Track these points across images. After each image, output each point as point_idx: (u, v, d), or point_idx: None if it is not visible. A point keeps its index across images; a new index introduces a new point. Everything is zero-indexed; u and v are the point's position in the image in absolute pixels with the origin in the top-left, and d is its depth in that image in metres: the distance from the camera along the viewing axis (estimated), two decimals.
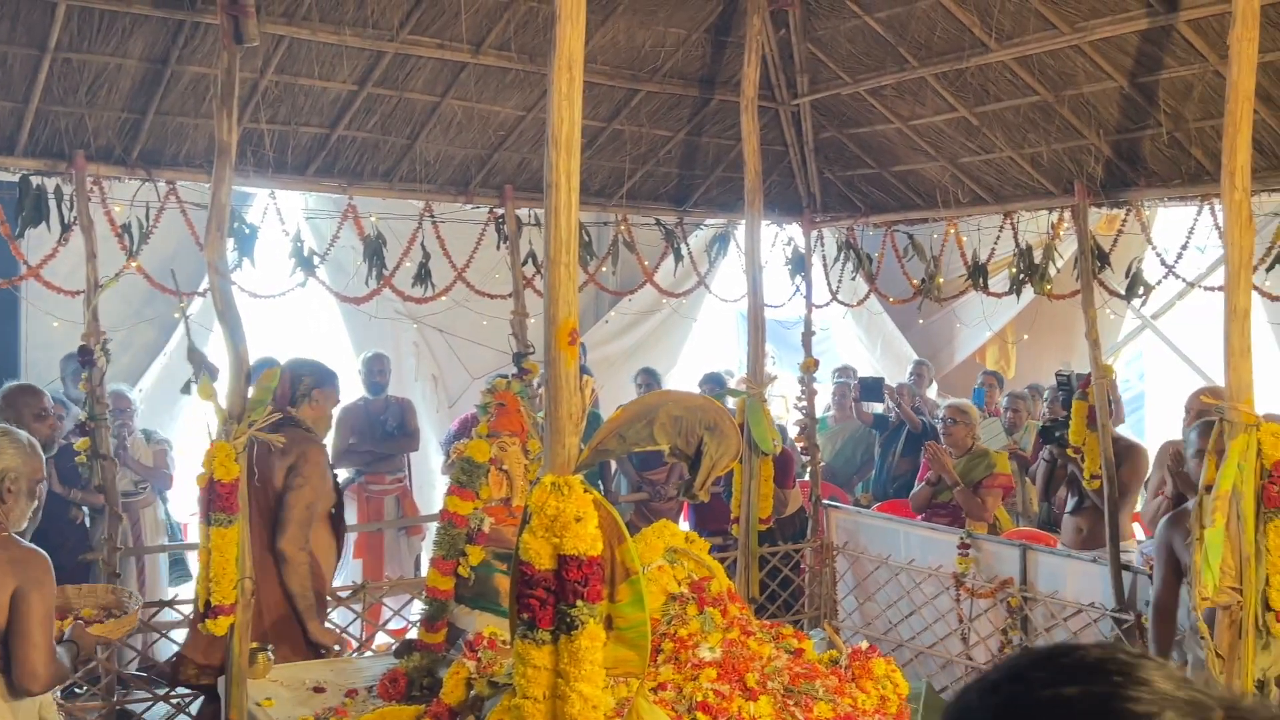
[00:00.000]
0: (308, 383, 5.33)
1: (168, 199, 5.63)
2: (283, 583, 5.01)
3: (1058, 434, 6.35)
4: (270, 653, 4.66)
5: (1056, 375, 6.55)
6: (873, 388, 8.99)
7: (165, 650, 6.48)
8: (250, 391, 4.33)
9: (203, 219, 4.53)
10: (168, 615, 5.84)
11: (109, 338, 5.42)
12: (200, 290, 6.01)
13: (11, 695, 3.59)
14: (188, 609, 5.50)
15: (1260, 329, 9.02)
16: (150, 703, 5.58)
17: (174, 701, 5.53)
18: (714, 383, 8.03)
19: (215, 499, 4.17)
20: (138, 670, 6.18)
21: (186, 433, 8.34)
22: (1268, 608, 3.58)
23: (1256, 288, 5.36)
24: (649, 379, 8.79)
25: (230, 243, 5.62)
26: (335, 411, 8.10)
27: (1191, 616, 4.23)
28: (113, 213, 5.55)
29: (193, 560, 7.04)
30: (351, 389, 8.81)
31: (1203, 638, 3.66)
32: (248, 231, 5.77)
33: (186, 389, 6.67)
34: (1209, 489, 3.62)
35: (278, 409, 5.29)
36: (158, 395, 8.31)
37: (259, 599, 4.72)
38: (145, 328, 8.07)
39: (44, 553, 3.70)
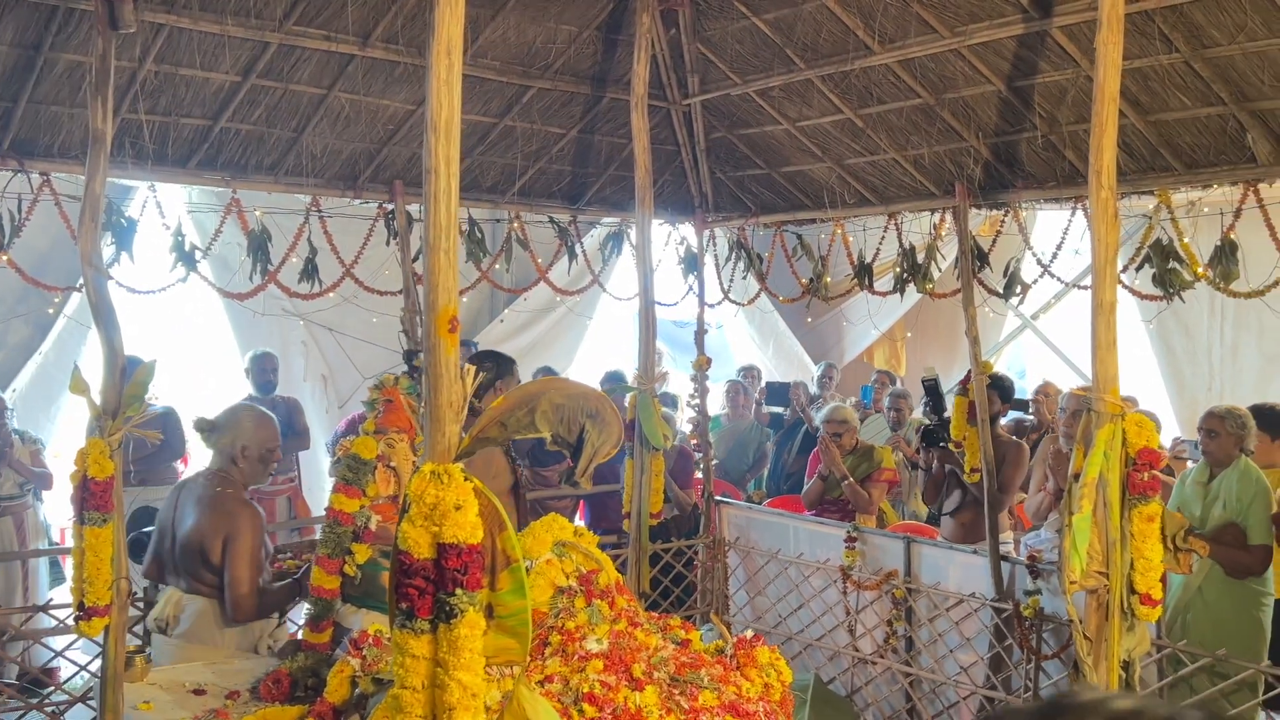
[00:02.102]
0: (490, 375, 5.60)
1: (41, 191, 5.45)
2: None
3: (940, 439, 6.52)
4: (149, 655, 4.55)
5: (923, 382, 6.72)
6: (779, 392, 9.20)
7: (41, 656, 6.28)
8: (125, 388, 4.21)
9: (78, 211, 4.39)
10: (44, 621, 5.64)
11: None
12: (76, 285, 5.83)
13: (225, 622, 4.57)
14: (64, 613, 5.34)
15: (1135, 328, 9.41)
16: (23, 711, 5.38)
17: (49, 710, 5.34)
18: (615, 380, 8.06)
19: (89, 497, 4.05)
20: (15, 678, 5.99)
21: (64, 435, 8.09)
22: (1132, 590, 3.72)
23: (1125, 285, 5.58)
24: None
25: (108, 237, 5.49)
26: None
27: None
28: None
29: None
30: (239, 388, 8.65)
31: (1071, 621, 3.79)
32: (125, 225, 5.60)
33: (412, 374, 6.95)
34: (1077, 477, 3.76)
35: None
36: (33, 395, 8.03)
37: None
38: (19, 325, 7.80)
39: (257, 507, 4.70)
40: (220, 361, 9.29)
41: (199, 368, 10.55)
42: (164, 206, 5.87)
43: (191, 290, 6.26)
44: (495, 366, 5.64)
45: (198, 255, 5.97)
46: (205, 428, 4.76)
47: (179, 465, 8.17)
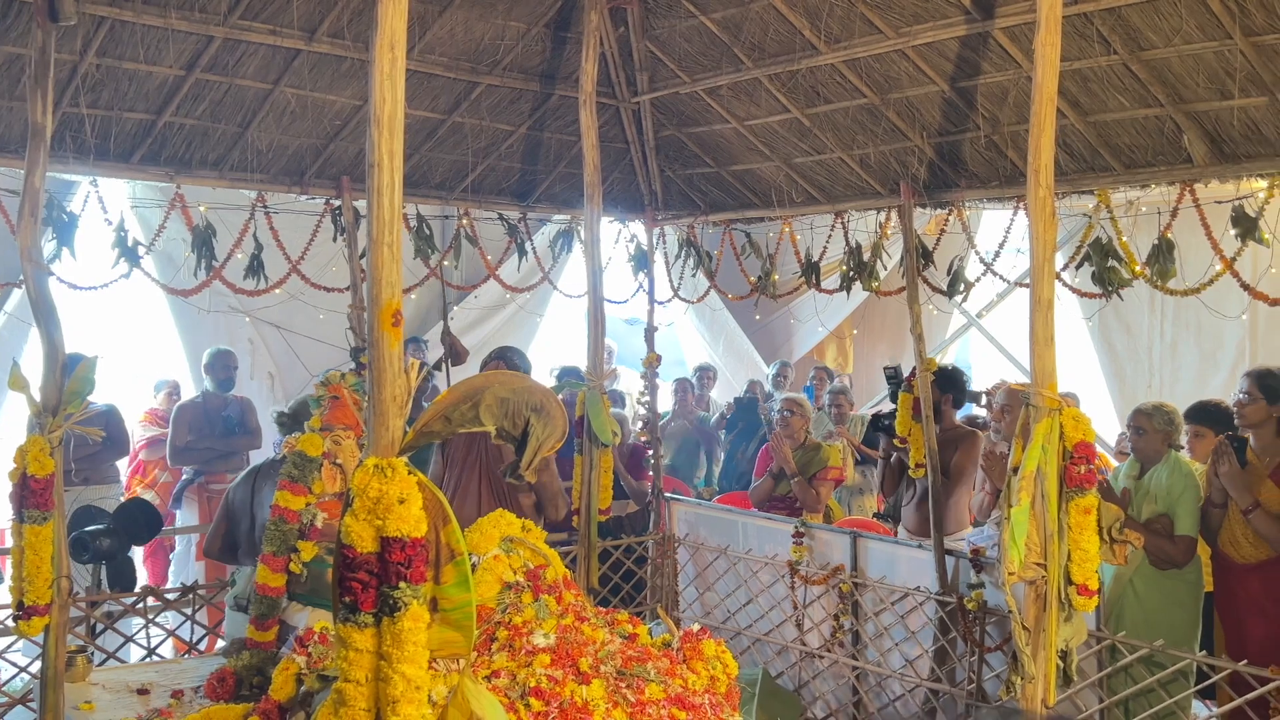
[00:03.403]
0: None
1: None
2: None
3: (885, 423, 6.62)
4: (90, 655, 4.50)
5: (884, 369, 6.80)
6: (749, 407, 9.25)
7: None
8: (66, 384, 4.16)
9: (18, 206, 4.32)
10: None
11: None
12: (16, 281, 5.74)
13: None
14: (2, 614, 5.26)
15: (1077, 326, 9.56)
16: None
17: None
18: (572, 375, 8.07)
19: (29, 495, 4.00)
20: None
21: (3, 433, 7.96)
22: (1069, 581, 3.79)
23: (1066, 283, 5.68)
24: None
25: (49, 232, 5.41)
26: (172, 409, 7.93)
27: None
28: None
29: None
30: (183, 386, 8.57)
31: (1010, 612, 3.86)
32: (66, 220, 5.53)
33: (438, 366, 6.97)
34: (1015, 470, 3.82)
35: None
36: None
37: None
38: None
39: None
40: (164, 359, 9.19)
41: (143, 365, 10.43)
42: (106, 201, 5.80)
43: (135, 287, 6.18)
44: (525, 361, 6.01)
45: (141, 251, 5.90)
46: (284, 420, 5.00)
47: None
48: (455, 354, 8.10)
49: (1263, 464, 5.23)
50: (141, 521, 5.86)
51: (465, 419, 2.65)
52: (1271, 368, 5.41)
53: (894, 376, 6.67)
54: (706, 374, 10.38)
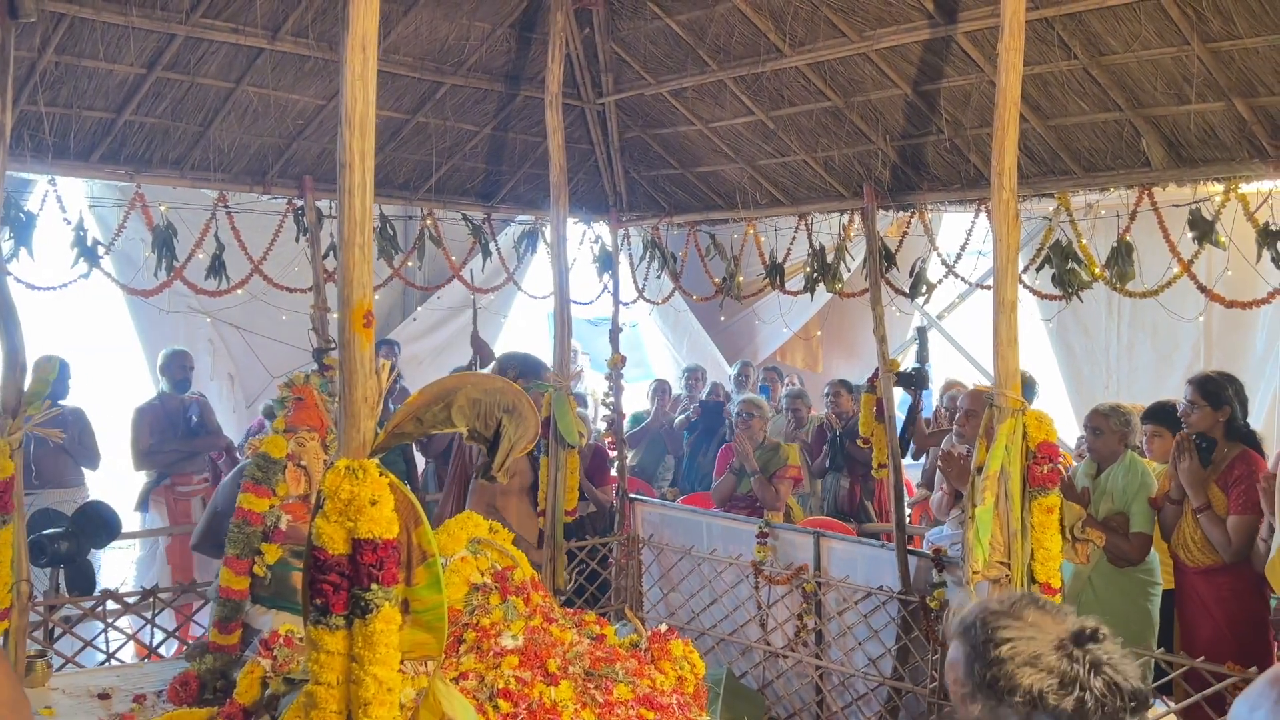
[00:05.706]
0: (511, 375, 5.77)
1: None
2: None
3: (915, 384, 6.69)
4: (50, 659, 4.45)
5: (917, 328, 6.86)
6: (713, 410, 9.31)
7: None
8: (27, 385, 4.11)
9: None
10: None
11: None
12: None
13: None
14: None
15: (1036, 327, 9.66)
16: None
17: None
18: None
19: None
20: None
21: None
22: (1033, 580, 3.84)
23: (1026, 285, 5.74)
24: None
25: (6, 231, 5.34)
26: (131, 413, 7.84)
27: None
28: None
29: None
30: (145, 387, 8.47)
31: None
32: (24, 219, 5.45)
33: (469, 368, 7.01)
34: (980, 470, 3.87)
35: None
36: None
37: None
38: None
39: None
40: (123, 360, 9.10)
41: (103, 366, 10.32)
42: (64, 201, 5.72)
43: (94, 287, 6.10)
44: (519, 367, 5.94)
45: (100, 251, 5.83)
46: (269, 414, 5.01)
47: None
48: (483, 357, 8.30)
49: (1215, 468, 5.31)
50: (100, 524, 5.79)
51: (437, 420, 2.64)
52: (1210, 373, 5.46)
53: (921, 332, 6.74)
54: (695, 375, 10.30)
